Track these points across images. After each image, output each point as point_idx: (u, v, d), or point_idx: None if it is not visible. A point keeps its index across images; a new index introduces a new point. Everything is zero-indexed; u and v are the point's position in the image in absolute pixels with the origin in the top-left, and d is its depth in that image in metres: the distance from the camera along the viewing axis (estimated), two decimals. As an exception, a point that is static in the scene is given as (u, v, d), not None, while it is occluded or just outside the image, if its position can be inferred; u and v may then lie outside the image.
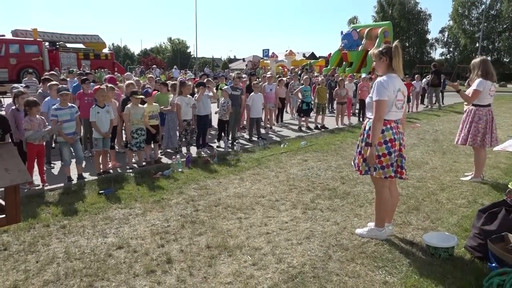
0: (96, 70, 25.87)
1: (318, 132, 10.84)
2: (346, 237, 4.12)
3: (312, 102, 11.93)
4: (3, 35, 27.09)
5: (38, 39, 28.05)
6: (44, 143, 6.12)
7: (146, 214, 4.80)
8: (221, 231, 4.27)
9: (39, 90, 8.08)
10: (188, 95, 8.04)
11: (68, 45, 31.57)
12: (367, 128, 3.91)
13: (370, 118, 3.87)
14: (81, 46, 32.78)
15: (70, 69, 16.17)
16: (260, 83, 11.21)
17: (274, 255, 3.71)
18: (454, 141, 6.51)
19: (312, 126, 11.52)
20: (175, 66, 37.01)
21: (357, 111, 13.91)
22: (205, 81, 10.15)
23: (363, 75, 13.94)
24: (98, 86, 6.92)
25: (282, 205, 5.12)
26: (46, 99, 7.00)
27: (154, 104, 7.25)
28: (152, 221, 4.57)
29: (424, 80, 19.06)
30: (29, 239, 4.08)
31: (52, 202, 5.21)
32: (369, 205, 5.06)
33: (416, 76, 18.49)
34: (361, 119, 12.92)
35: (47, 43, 29.64)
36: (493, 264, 3.28)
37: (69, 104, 6.26)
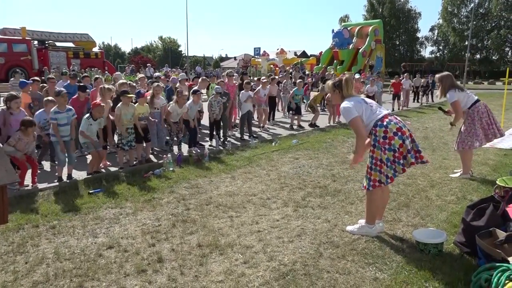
0: (87, 69, 25.67)
1: (309, 130, 10.86)
2: (337, 234, 4.14)
3: (305, 102, 11.99)
4: (-9, 34, 26.74)
5: (26, 38, 27.72)
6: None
7: (137, 213, 4.78)
8: (212, 230, 4.27)
9: (30, 89, 7.96)
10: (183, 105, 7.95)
11: (58, 43, 31.25)
12: (372, 139, 3.94)
13: (370, 129, 3.95)
14: (70, 45, 32.46)
15: (64, 71, 15.99)
16: (253, 85, 11.24)
17: (265, 253, 3.72)
18: (474, 146, 6.08)
19: (304, 124, 11.54)
20: (166, 65, 36.81)
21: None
22: (199, 80, 10.15)
23: (357, 76, 13.99)
24: (98, 102, 6.71)
25: (273, 203, 5.13)
26: (38, 112, 6.80)
27: (145, 105, 7.19)
28: (143, 221, 4.55)
29: (415, 78, 19.25)
30: (18, 240, 4.04)
31: (41, 202, 5.16)
32: (360, 202, 5.09)
33: (405, 74, 18.61)
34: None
35: (36, 42, 29.32)
36: (481, 260, 3.33)
37: (67, 107, 6.21)
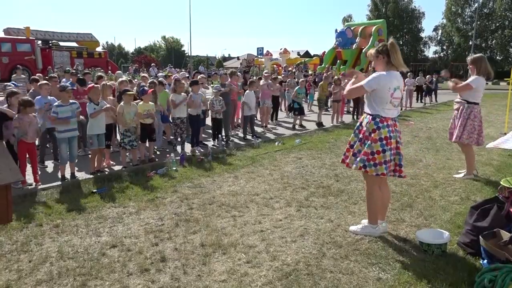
0: (90, 69, 25.72)
1: (312, 130, 10.85)
2: (340, 234, 4.13)
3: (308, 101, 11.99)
4: (-5, 34, 26.83)
5: (30, 38, 27.79)
6: (37, 141, 6.08)
7: (140, 212, 4.78)
8: (215, 229, 4.27)
9: (31, 90, 8.02)
10: (183, 93, 8.05)
11: (61, 43, 31.28)
12: (363, 123, 3.94)
13: (367, 114, 3.92)
14: (74, 44, 32.51)
15: (67, 69, 16.06)
16: (256, 82, 11.23)
17: (268, 252, 3.72)
18: (448, 139, 6.53)
19: (308, 124, 11.55)
20: (169, 65, 36.84)
21: (351, 109, 13.98)
22: (198, 78, 10.16)
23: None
24: (92, 84, 6.89)
25: (276, 203, 5.13)
26: (38, 97, 6.97)
27: (150, 103, 7.21)
28: (146, 220, 4.55)
29: (418, 78, 19.21)
30: (21, 239, 4.05)
31: (45, 201, 5.18)
32: (363, 202, 5.07)
33: (409, 74, 18.57)
34: (355, 117, 12.98)
35: (39, 42, 29.38)
36: (485, 261, 3.31)
37: (70, 101, 6.29)
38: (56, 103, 6.18)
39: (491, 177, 6.17)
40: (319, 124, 11.55)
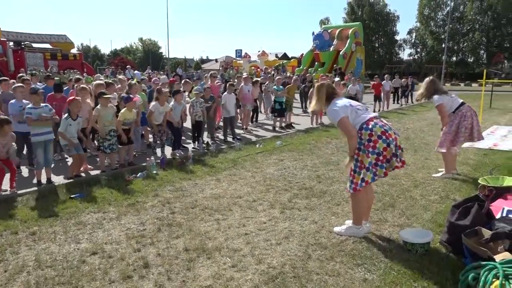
0: (65, 71, 25.13)
1: (292, 132, 10.88)
2: (325, 236, 4.13)
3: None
4: (-36, 35, 25.87)
5: (2, 39, 26.93)
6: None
7: (120, 218, 4.66)
8: (198, 233, 4.20)
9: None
10: (165, 103, 7.83)
11: (34, 45, 30.45)
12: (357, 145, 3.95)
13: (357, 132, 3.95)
14: (48, 46, 31.70)
15: (33, 72, 15.21)
16: (235, 83, 11.19)
17: (254, 256, 3.68)
18: (436, 149, 6.47)
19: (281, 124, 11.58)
20: (148, 67, 36.37)
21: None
22: (182, 83, 10.04)
23: (336, 79, 14.10)
24: (73, 97, 6.59)
25: (259, 205, 5.09)
26: (12, 101, 6.73)
27: (133, 111, 7.01)
28: (127, 225, 4.44)
29: (394, 79, 19.59)
30: (-4, 247, 3.88)
31: (20, 208, 4.99)
32: (346, 203, 5.10)
33: (386, 76, 18.93)
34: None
35: (11, 43, 28.51)
36: (467, 259, 3.36)
37: (42, 104, 6.10)
38: (28, 106, 6.00)
39: (469, 176, 6.31)
40: (288, 126, 11.53)
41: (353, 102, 4.10)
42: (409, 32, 56.85)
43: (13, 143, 5.69)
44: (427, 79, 6.30)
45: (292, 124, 11.70)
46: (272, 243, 3.96)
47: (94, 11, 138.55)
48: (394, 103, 19.21)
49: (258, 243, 3.96)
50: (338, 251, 3.78)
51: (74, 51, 33.32)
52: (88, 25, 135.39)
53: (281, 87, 11.55)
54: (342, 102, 4.04)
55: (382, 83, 16.74)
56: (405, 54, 64.63)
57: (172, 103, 8.04)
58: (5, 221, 4.50)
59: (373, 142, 3.82)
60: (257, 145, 8.81)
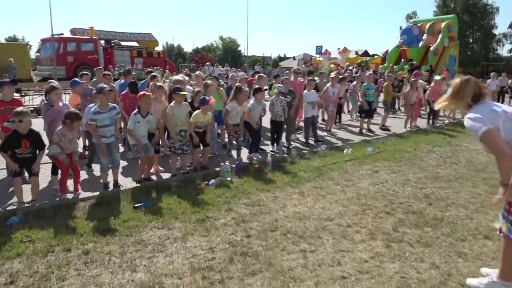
0: (150, 68, 25.85)
1: (384, 136, 9.51)
2: (456, 292, 2.96)
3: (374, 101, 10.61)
4: (62, 34, 27.79)
5: (94, 37, 28.55)
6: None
7: (186, 238, 3.88)
8: (280, 271, 3.25)
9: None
10: (244, 102, 7.04)
11: (122, 43, 31.97)
12: None
13: None
14: (134, 44, 33.11)
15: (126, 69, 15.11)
16: (318, 81, 10.10)
17: (358, 317, 2.65)
18: None
19: (374, 128, 10.23)
20: (226, 64, 36.50)
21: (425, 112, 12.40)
22: (256, 77, 9.23)
23: (437, 77, 12.29)
24: (143, 92, 6.04)
25: (356, 233, 4.02)
26: (88, 107, 6.26)
27: (208, 114, 6.28)
28: (194, 250, 3.64)
29: (500, 78, 16.97)
30: (42, 269, 3.28)
31: (80, 216, 4.43)
32: (473, 239, 3.84)
33: (492, 74, 16.40)
34: (430, 122, 11.42)
35: (102, 41, 30.14)
36: None
37: (110, 105, 5.42)
38: (92, 109, 5.32)
39: None
40: (384, 128, 10.22)
41: (508, 108, 2.86)
42: (510, 26, 50.78)
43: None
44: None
45: (388, 128, 10.32)
46: (381, 296, 2.89)
47: (177, 11, 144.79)
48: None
49: (361, 294, 2.92)
50: (483, 321, 2.60)
51: (158, 49, 34.45)
52: (172, 25, 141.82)
53: (372, 84, 10.19)
54: (489, 107, 2.83)
55: (487, 81, 14.50)
56: (505, 50, 57.81)
57: (251, 101, 7.22)
58: (60, 234, 3.93)
59: None
60: (344, 151, 7.65)
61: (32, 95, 15.35)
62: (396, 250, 3.63)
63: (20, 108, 4.76)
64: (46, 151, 4.95)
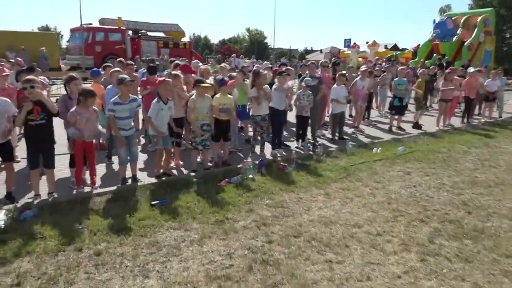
0: (176, 58, 25.82)
1: (415, 134, 9.01)
2: (504, 320, 2.60)
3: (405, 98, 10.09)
4: (90, 23, 28.10)
5: (122, 28, 28.72)
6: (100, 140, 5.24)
7: (203, 241, 3.65)
8: (304, 284, 2.97)
9: (103, 78, 7.33)
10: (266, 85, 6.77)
11: (149, 33, 32.08)
12: None
13: None
14: (161, 34, 33.17)
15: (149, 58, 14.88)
16: (347, 74, 9.66)
17: None
18: None
19: (405, 125, 9.73)
20: (253, 56, 36.16)
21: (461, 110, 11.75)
22: (284, 69, 8.89)
23: (471, 69, 11.61)
24: (163, 78, 5.85)
25: (387, 242, 3.69)
26: (109, 87, 6.18)
27: (228, 95, 6.09)
28: (210, 255, 3.40)
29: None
30: (51, 270, 3.11)
31: (94, 213, 4.25)
32: (521, 255, 3.44)
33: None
34: (465, 120, 10.80)
35: (130, 32, 30.31)
36: None
37: (131, 97, 5.20)
38: (112, 100, 5.12)
39: None
40: (416, 126, 9.70)
41: None
42: (551, 20, 48.21)
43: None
44: None
45: (422, 127, 9.79)
46: (416, 320, 2.57)
47: (205, 2, 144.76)
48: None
49: (394, 316, 2.60)
50: None
51: (184, 39, 34.42)
52: (200, 16, 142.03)
53: (404, 79, 9.66)
54: None
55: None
56: (545, 46, 55.01)
57: (275, 85, 6.94)
58: (73, 231, 3.76)
59: None
60: (373, 150, 7.25)
61: (59, 84, 15.49)
62: (432, 265, 3.29)
63: (31, 76, 4.64)
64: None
